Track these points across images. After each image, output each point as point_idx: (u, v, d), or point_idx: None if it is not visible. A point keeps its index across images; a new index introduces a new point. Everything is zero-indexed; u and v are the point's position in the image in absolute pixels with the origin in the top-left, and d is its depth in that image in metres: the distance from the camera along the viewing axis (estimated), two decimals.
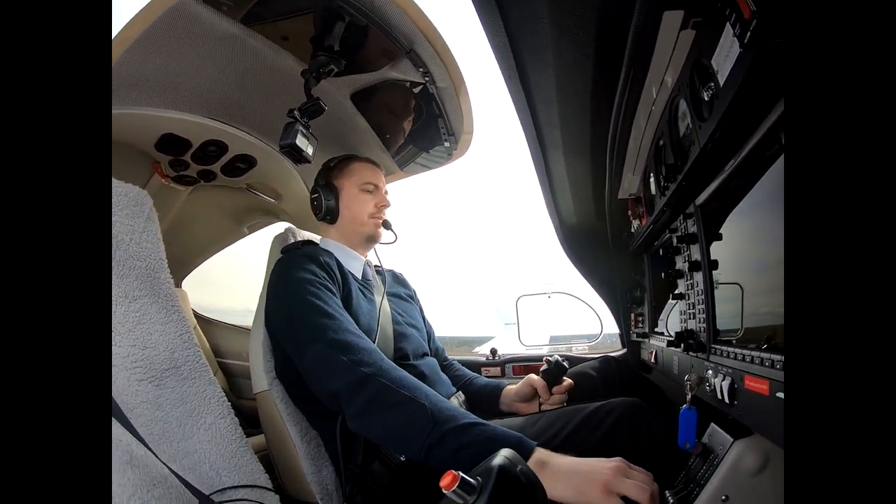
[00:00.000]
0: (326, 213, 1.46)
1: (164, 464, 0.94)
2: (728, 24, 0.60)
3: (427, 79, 1.30)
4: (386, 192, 1.53)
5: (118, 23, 1.06)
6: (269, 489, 1.14)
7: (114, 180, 1.13)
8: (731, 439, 0.76)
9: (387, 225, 1.51)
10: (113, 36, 1.08)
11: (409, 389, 0.99)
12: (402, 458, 1.14)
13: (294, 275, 1.23)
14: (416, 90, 1.40)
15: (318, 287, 1.20)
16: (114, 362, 1.03)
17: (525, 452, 0.84)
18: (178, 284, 2.55)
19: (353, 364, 1.03)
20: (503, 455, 0.69)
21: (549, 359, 1.38)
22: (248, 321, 2.47)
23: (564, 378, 1.38)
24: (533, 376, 1.39)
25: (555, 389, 1.36)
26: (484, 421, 0.93)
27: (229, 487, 1.08)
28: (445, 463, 0.90)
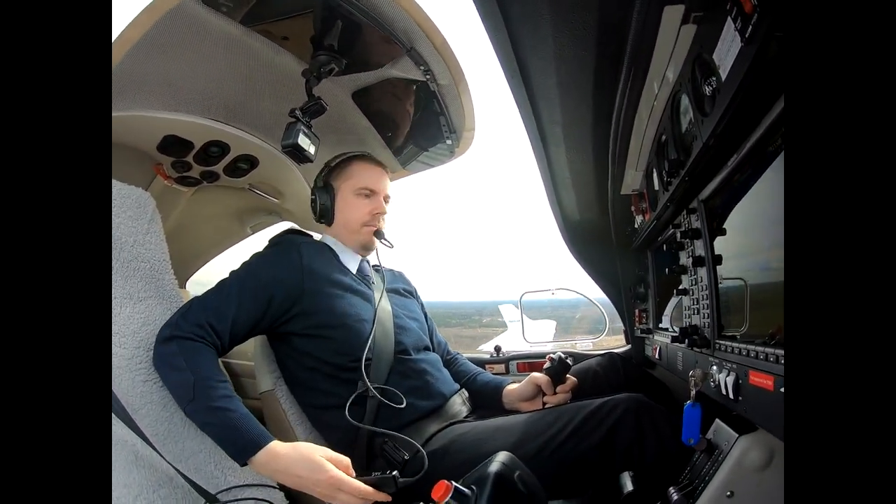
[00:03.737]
0: (321, 216, 1.45)
1: (170, 463, 0.95)
2: (729, 18, 0.60)
3: (428, 77, 1.29)
4: (387, 198, 1.48)
5: (119, 25, 1.06)
6: (275, 487, 1.15)
7: (116, 182, 1.14)
8: (736, 435, 0.76)
9: (379, 234, 1.45)
10: (114, 38, 1.08)
11: (194, 370, 1.07)
12: (406, 457, 1.14)
13: (248, 265, 1.31)
14: (417, 88, 1.40)
15: (246, 289, 1.23)
16: (119, 363, 1.04)
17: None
18: (182, 285, 2.55)
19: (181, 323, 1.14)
20: (499, 461, 0.68)
21: (553, 356, 1.36)
22: None
23: (568, 377, 1.37)
24: (536, 374, 1.37)
25: (559, 388, 1.34)
26: (234, 407, 1.04)
27: (235, 486, 1.09)
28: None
